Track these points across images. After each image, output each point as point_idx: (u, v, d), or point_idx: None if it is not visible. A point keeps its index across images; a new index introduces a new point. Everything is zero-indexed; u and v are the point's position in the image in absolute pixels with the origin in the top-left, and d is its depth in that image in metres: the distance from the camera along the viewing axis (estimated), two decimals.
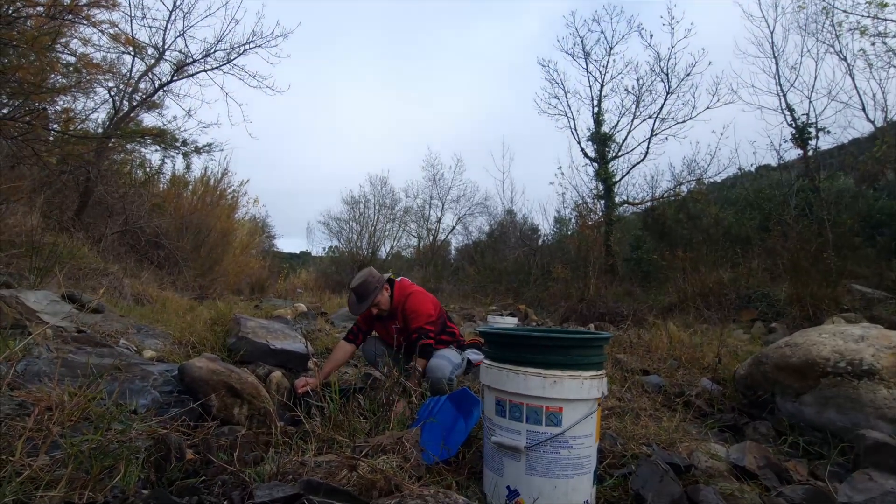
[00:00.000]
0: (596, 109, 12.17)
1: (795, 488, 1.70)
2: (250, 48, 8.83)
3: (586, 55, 12.16)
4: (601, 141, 11.98)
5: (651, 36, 11.46)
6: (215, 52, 8.72)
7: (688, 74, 11.05)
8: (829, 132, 9.52)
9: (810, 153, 9.61)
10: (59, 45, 6.39)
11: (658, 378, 3.27)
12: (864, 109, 9.06)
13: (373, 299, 2.76)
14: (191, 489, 1.29)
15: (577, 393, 1.48)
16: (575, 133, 12.45)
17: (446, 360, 2.65)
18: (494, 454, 1.58)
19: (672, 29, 10.98)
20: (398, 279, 2.98)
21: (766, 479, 1.78)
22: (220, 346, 3.46)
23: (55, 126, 6.78)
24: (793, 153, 10.03)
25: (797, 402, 2.40)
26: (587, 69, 12.21)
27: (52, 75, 6.45)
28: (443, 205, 17.64)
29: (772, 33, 10.13)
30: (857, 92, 9.12)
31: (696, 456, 1.89)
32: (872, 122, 9.09)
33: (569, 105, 12.61)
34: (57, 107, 7.12)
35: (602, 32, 12.53)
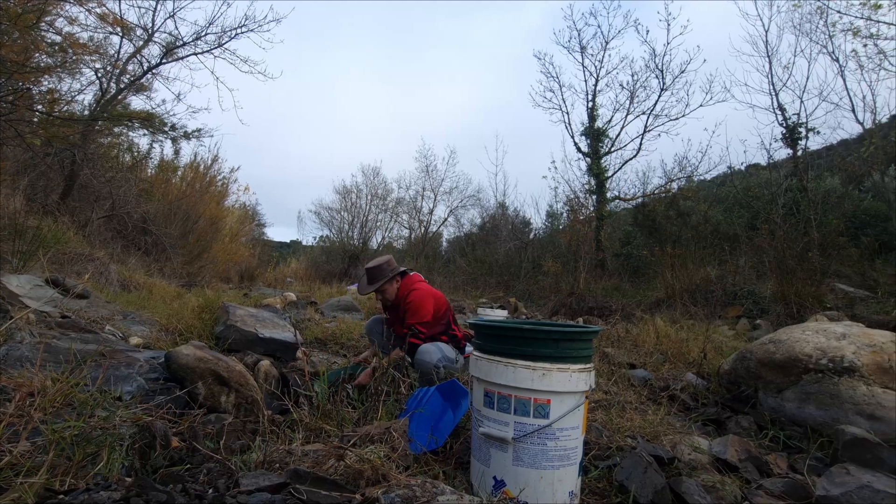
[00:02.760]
0: (590, 104, 12.19)
1: (775, 481, 1.74)
2: (242, 32, 8.66)
3: (582, 49, 12.14)
4: (594, 136, 12.00)
5: (647, 32, 11.50)
6: (206, 35, 8.54)
7: (682, 71, 11.09)
8: (818, 132, 9.62)
9: (800, 153, 9.71)
10: (43, 24, 6.20)
11: (644, 372, 3.31)
12: (853, 110, 9.16)
13: (379, 286, 2.86)
14: (176, 477, 1.28)
15: (566, 386, 1.49)
16: (569, 127, 12.49)
17: (436, 348, 2.68)
18: (482, 445, 1.59)
19: (668, 25, 11.00)
20: (411, 273, 3.02)
21: (747, 472, 1.82)
22: (207, 333, 3.44)
23: (40, 107, 6.62)
24: (783, 153, 10.14)
25: (779, 397, 2.44)
26: (583, 63, 12.22)
27: (37, 54, 6.28)
28: (435, 196, 17.58)
29: (766, 32, 10.16)
30: (848, 93, 9.21)
31: (680, 448, 1.93)
32: (861, 124, 9.19)
33: (563, 99, 12.65)
34: (42, 87, 6.92)
35: (598, 27, 12.63)
